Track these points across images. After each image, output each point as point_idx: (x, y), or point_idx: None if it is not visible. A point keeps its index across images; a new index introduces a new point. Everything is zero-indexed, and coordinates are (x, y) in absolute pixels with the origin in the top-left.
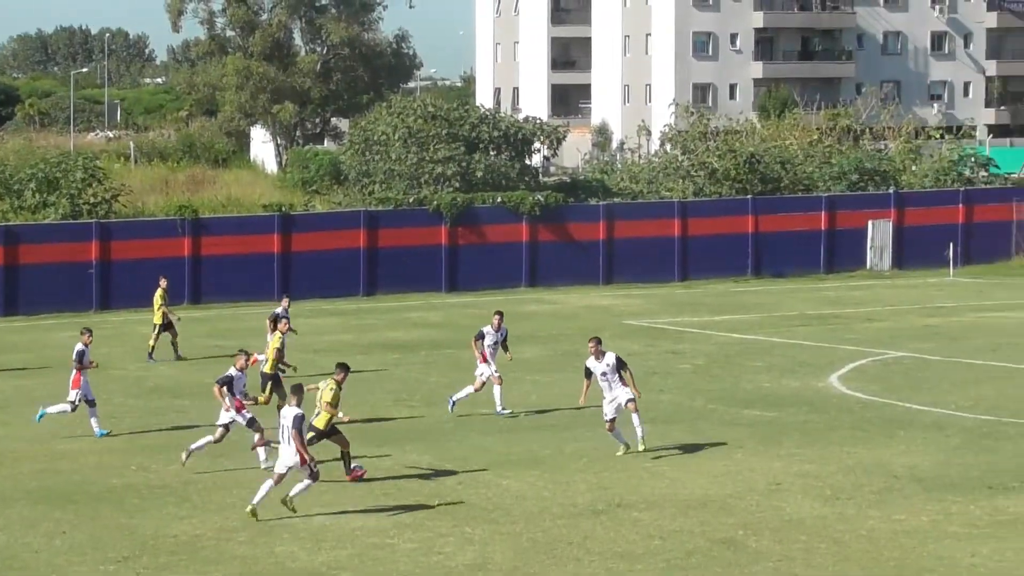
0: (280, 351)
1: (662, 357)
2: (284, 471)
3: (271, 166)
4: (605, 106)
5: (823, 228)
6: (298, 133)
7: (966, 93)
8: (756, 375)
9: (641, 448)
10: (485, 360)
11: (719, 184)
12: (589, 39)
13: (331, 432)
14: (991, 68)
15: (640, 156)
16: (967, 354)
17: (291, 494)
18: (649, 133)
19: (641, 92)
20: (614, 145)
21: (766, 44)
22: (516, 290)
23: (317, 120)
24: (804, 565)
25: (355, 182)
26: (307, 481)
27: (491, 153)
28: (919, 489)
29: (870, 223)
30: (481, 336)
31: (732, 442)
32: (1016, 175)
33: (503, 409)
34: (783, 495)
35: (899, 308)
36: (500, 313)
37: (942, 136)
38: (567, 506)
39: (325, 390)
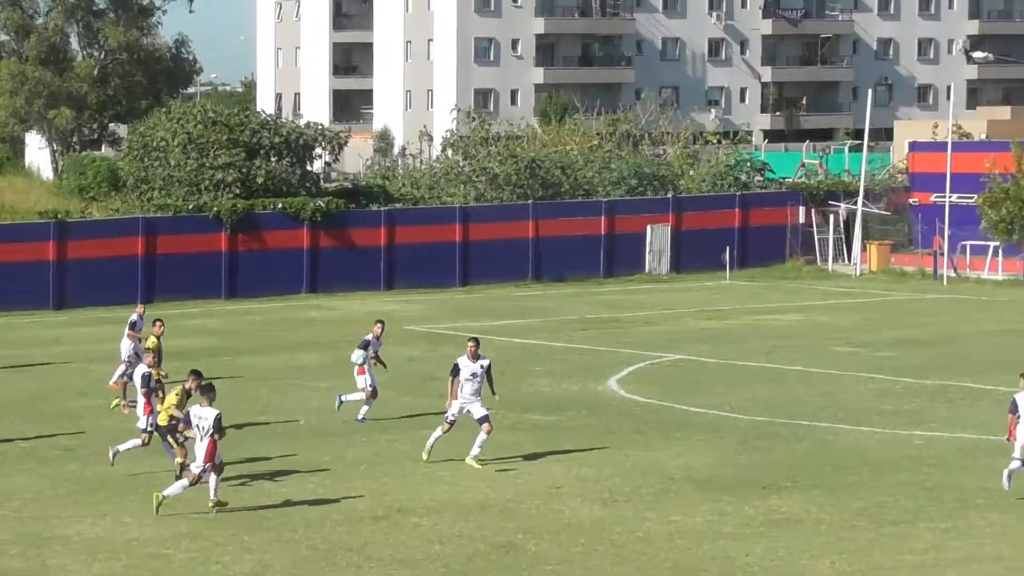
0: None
1: (443, 362)
2: (199, 470)
3: (47, 172)
4: (387, 112)
5: (603, 233)
6: (75, 139)
7: (742, 99)
8: (536, 379)
9: (477, 465)
10: (363, 372)
11: (500, 189)
12: (371, 44)
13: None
14: (766, 74)
15: (421, 162)
16: (743, 356)
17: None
18: (431, 139)
19: (423, 97)
20: (396, 151)
21: (547, 50)
22: (297, 296)
23: (95, 126)
24: (582, 568)
25: (133, 188)
26: (189, 480)
27: (272, 159)
28: (694, 490)
29: (649, 227)
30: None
31: (512, 446)
32: (791, 179)
33: (363, 417)
34: (562, 498)
35: (677, 311)
36: (382, 322)
37: (719, 141)
38: (347, 512)
39: (171, 395)
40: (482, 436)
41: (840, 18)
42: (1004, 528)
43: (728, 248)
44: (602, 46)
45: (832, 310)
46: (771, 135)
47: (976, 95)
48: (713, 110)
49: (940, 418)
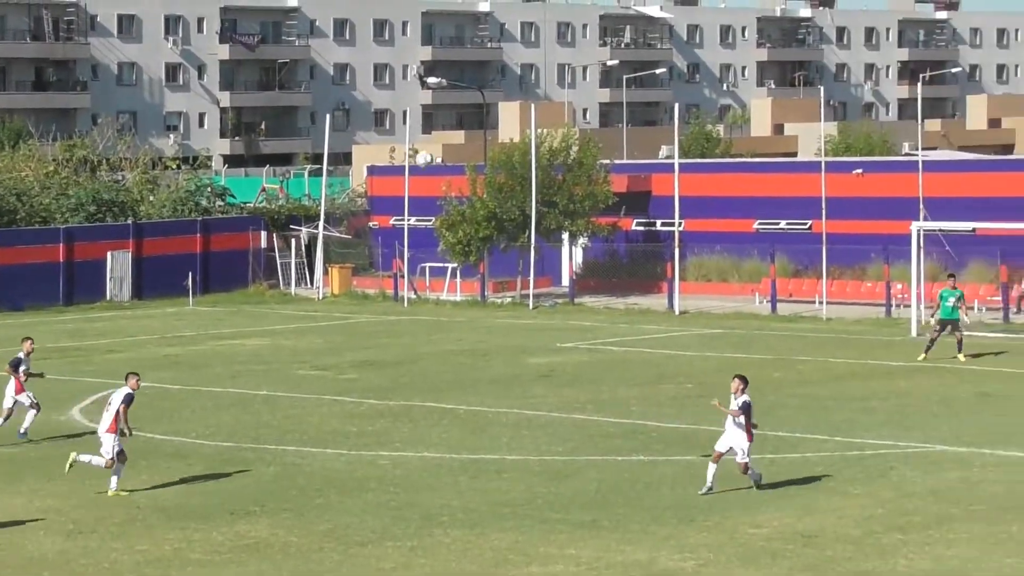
0: None
1: None
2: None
3: None
4: None
5: (62, 260)
6: None
7: (201, 124)
8: None
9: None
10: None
11: None
12: None
13: None
14: (225, 99)
15: None
16: (207, 382)
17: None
18: None
19: None
20: None
21: None
22: None
23: None
24: None
25: None
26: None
27: None
28: (162, 518)
29: (109, 254)
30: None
31: None
32: (252, 204)
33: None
34: (24, 532)
35: (139, 338)
36: (30, 339)
37: (179, 167)
38: None
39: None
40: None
41: (297, 43)
42: (466, 544)
43: (191, 274)
44: (56, 71)
45: (296, 334)
46: (231, 160)
47: (431, 120)
48: (172, 135)
49: (404, 438)
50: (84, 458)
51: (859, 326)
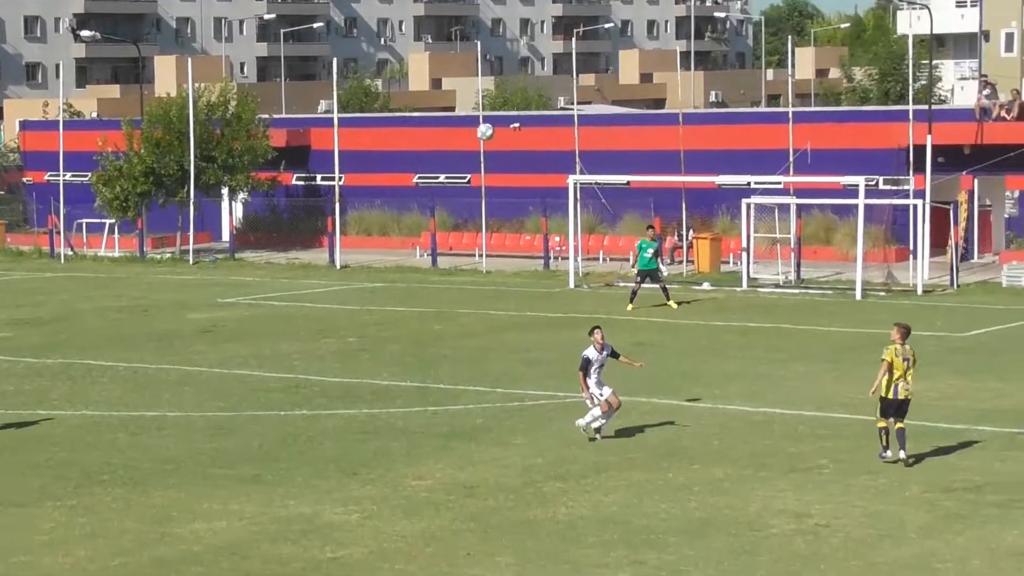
0: None
1: None
2: None
3: None
4: None
5: None
6: None
7: None
8: None
9: None
10: None
11: None
12: None
13: None
14: None
15: None
16: None
17: None
18: None
19: None
20: None
21: None
22: None
23: None
24: None
25: None
26: None
27: None
28: None
29: None
30: None
31: None
32: None
33: None
34: None
35: None
36: None
37: None
38: None
39: None
40: None
41: None
42: (128, 502)
43: None
44: None
45: None
46: None
47: (86, 73)
48: None
49: (62, 396)
50: None
51: (518, 278)
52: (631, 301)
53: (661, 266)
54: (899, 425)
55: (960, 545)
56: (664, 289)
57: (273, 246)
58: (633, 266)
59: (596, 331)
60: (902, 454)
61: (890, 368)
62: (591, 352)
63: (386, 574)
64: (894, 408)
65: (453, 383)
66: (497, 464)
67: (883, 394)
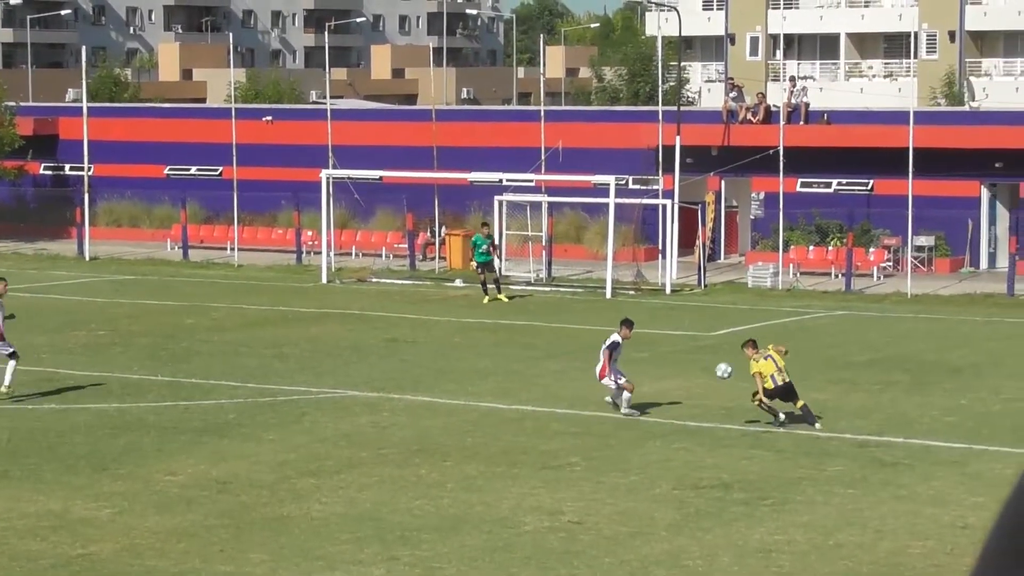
0: None
1: None
2: None
3: None
4: None
5: None
6: None
7: None
8: None
9: None
10: None
11: None
12: None
13: None
14: None
15: None
16: None
17: None
18: None
19: None
20: None
21: None
22: None
23: None
24: None
25: None
26: None
27: None
28: None
29: None
30: None
31: None
32: None
33: None
34: None
35: None
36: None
37: None
38: None
39: None
40: None
41: None
42: None
43: None
44: None
45: None
46: None
47: None
48: None
49: None
50: None
51: (271, 272)
52: (485, 293)
53: (495, 259)
54: (800, 404)
55: (708, 542)
56: (496, 282)
57: (20, 236)
58: (472, 261)
59: (627, 326)
60: (818, 425)
61: (760, 375)
62: (617, 337)
63: (137, 571)
64: (783, 392)
65: (205, 378)
66: (250, 460)
67: (767, 387)
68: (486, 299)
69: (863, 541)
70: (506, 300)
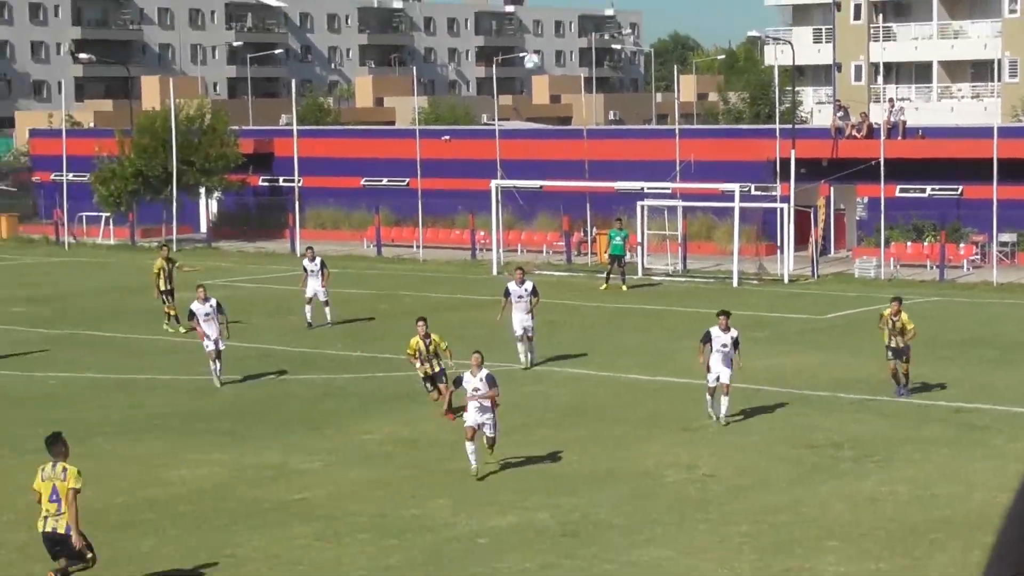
0: None
1: None
2: None
3: None
4: None
5: None
6: None
7: None
8: None
9: None
10: None
11: None
12: None
13: None
14: None
15: None
16: None
17: None
18: None
19: None
20: None
21: None
22: None
23: None
24: None
25: None
26: None
27: None
28: None
29: None
30: None
31: None
32: None
33: None
34: None
35: None
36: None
37: None
38: None
39: None
40: None
41: None
42: (126, 451)
43: None
44: None
45: None
46: None
47: (83, 90)
48: None
49: (68, 360)
50: None
51: (450, 266)
52: (606, 282)
53: (627, 252)
54: (905, 367)
55: (822, 493)
56: (622, 274)
57: (243, 238)
58: (607, 252)
59: (724, 316)
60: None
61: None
62: (715, 330)
63: (343, 512)
64: (894, 353)
65: (396, 354)
66: (435, 422)
67: (886, 343)
68: (603, 287)
69: (957, 492)
70: (625, 289)
